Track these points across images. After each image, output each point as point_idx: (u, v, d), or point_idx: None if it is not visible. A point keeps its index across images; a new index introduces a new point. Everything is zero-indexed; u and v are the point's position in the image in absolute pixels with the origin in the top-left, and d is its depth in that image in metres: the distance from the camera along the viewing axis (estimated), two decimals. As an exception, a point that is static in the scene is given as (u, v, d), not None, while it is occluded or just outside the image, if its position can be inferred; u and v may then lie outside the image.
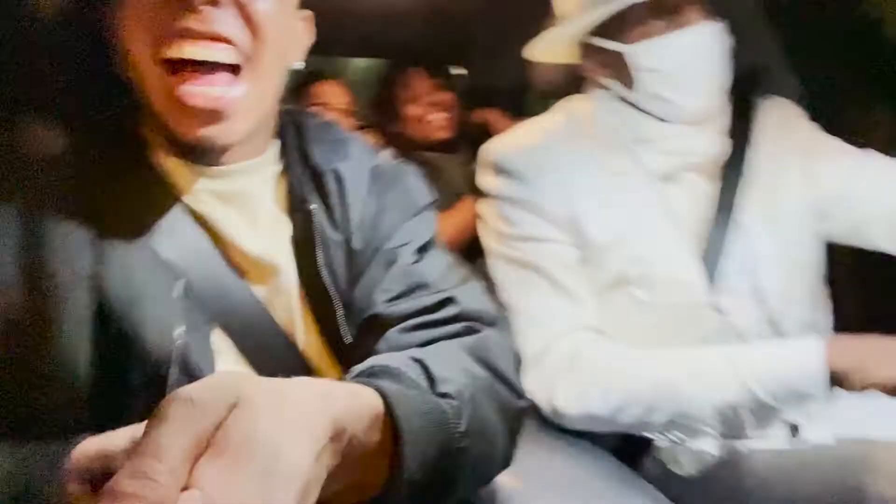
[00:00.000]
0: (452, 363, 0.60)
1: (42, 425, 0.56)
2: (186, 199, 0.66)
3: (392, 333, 0.68)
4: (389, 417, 0.45)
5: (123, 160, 0.64)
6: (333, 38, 2.23)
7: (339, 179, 0.76)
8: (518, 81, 2.17)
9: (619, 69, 1.04)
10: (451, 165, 2.03)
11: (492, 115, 2.08)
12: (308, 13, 0.74)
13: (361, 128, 2.22)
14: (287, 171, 0.74)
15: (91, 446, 0.44)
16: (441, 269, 0.75)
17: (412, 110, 1.99)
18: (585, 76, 1.12)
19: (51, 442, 0.48)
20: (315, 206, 0.72)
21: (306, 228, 0.72)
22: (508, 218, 1.07)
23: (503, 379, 0.64)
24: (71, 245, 0.59)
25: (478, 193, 1.90)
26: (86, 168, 0.62)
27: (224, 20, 0.59)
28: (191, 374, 0.61)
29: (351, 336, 0.71)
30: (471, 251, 1.81)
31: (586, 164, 1.06)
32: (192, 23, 0.58)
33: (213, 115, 0.61)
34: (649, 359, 0.98)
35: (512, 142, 1.11)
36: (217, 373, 0.63)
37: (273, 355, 0.69)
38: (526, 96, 2.10)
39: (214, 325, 0.65)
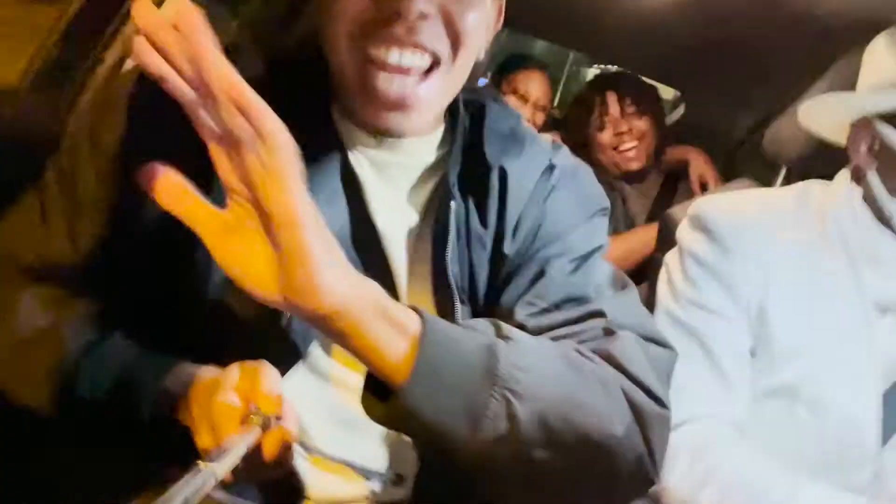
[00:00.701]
0: (546, 348, 0.59)
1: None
2: (350, 155, 0.70)
3: None
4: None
5: (309, 118, 0.66)
6: (542, 19, 2.19)
7: (503, 178, 0.74)
8: (737, 127, 2.06)
9: (891, 169, 0.93)
10: (635, 195, 1.97)
11: (694, 156, 1.97)
12: (500, 1, 0.74)
13: (551, 125, 2.18)
14: (447, 156, 0.74)
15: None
16: (597, 282, 0.72)
17: (605, 137, 1.91)
18: (849, 158, 1.01)
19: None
20: (455, 203, 0.71)
21: (444, 221, 0.71)
22: (694, 280, 1.01)
23: (637, 381, 0.61)
24: None
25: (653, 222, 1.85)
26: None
27: (430, 32, 0.63)
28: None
29: None
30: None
31: (799, 259, 0.97)
32: (401, 31, 0.62)
33: (401, 107, 0.65)
34: (782, 486, 0.90)
35: (729, 205, 1.03)
36: None
37: None
38: (741, 148, 1.97)
39: None
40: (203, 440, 0.57)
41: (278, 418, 0.56)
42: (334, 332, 0.51)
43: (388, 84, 0.64)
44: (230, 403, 0.55)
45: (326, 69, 0.70)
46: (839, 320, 0.94)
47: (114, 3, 0.95)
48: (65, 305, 0.69)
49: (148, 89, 0.66)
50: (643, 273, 1.51)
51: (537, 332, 0.66)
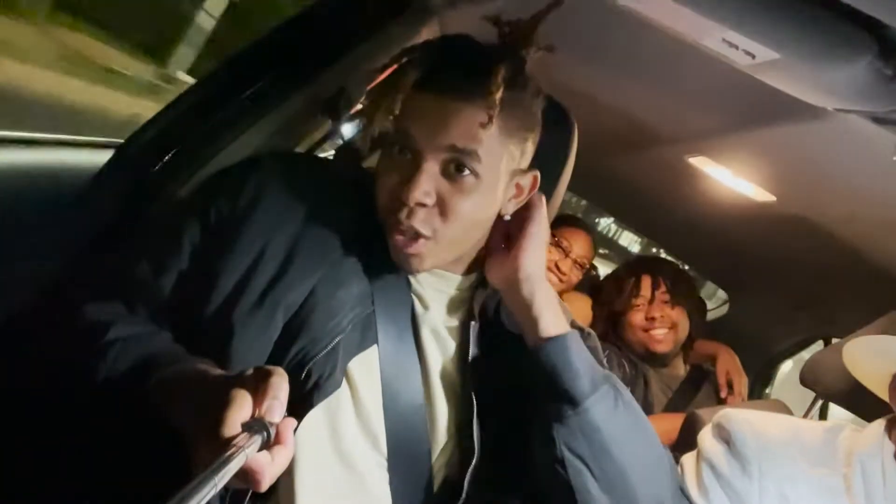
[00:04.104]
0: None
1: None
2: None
3: None
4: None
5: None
6: (610, 194, 2.28)
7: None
8: (776, 342, 2.05)
9: None
10: (657, 380, 1.95)
11: (724, 353, 1.96)
12: (534, 175, 0.90)
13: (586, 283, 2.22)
14: (472, 299, 0.91)
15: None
16: None
17: (636, 318, 1.92)
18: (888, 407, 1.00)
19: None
20: (474, 323, 0.88)
21: (465, 338, 0.88)
22: (708, 490, 0.98)
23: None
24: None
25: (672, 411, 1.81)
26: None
27: (422, 219, 0.81)
28: (331, 370, 0.79)
29: (476, 442, 0.83)
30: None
31: (818, 499, 0.94)
32: (404, 217, 0.81)
33: (408, 257, 0.84)
34: None
35: (757, 425, 1.02)
36: None
37: (404, 404, 0.84)
38: (776, 367, 1.95)
39: (373, 344, 0.84)
40: (203, 431, 0.59)
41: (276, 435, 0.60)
42: (518, 294, 0.85)
43: (398, 243, 0.84)
44: (241, 398, 0.59)
45: None
46: None
47: (234, 89, 1.06)
48: (127, 316, 0.82)
49: (258, 177, 0.87)
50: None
51: None
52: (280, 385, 0.62)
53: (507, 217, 0.89)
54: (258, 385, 0.62)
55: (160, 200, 0.98)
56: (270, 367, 0.64)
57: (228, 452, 0.53)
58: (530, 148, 0.88)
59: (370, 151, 0.88)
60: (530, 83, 0.84)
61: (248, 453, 0.55)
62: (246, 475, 0.58)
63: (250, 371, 0.65)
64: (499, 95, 0.76)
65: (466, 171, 0.80)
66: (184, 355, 0.76)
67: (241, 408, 0.59)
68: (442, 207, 0.81)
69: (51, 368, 0.79)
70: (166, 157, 1.01)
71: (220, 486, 0.50)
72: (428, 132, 0.79)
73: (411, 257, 0.83)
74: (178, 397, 0.67)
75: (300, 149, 1.62)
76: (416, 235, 0.82)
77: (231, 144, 1.01)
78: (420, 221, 0.81)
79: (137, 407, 0.70)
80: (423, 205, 0.81)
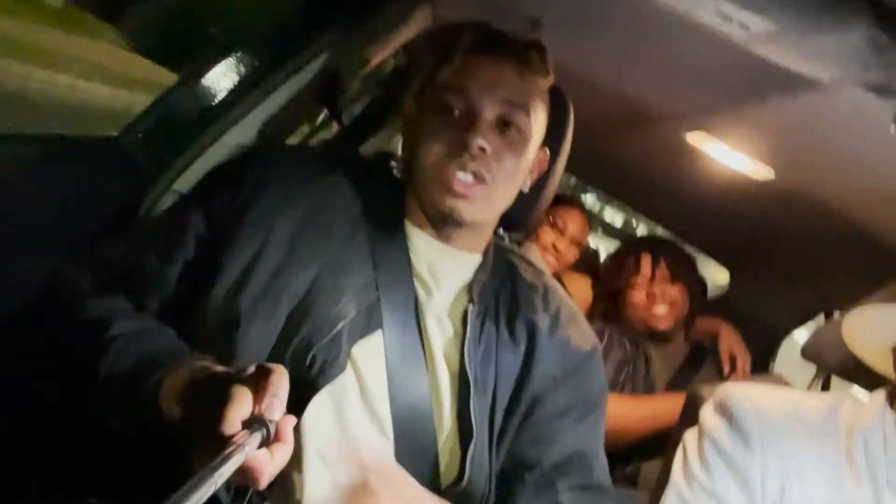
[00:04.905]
0: None
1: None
2: (411, 251, 0.92)
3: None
4: None
5: (391, 214, 0.92)
6: (606, 174, 2.27)
7: (532, 330, 0.92)
8: (777, 319, 2.05)
9: None
10: (660, 356, 1.95)
11: (725, 330, 1.96)
12: (545, 151, 0.98)
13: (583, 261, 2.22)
14: (472, 283, 0.92)
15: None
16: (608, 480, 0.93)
17: (637, 297, 1.91)
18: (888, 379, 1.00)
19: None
20: (473, 307, 0.89)
21: (464, 321, 0.89)
22: (710, 466, 0.99)
23: None
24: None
25: (674, 391, 1.82)
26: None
27: (486, 164, 0.86)
28: (336, 355, 0.79)
29: (475, 422, 0.84)
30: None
31: (821, 473, 0.94)
32: (468, 160, 0.85)
33: (461, 197, 0.86)
34: None
35: (758, 399, 1.02)
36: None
37: (410, 387, 0.84)
38: (777, 343, 1.95)
39: (377, 329, 0.84)
40: (203, 428, 0.60)
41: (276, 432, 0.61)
42: None
43: (456, 182, 0.86)
44: (241, 396, 0.60)
45: (401, 184, 0.93)
46: None
47: (228, 76, 1.05)
48: (129, 311, 0.82)
49: (259, 168, 0.87)
50: (662, 441, 1.47)
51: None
52: (280, 382, 0.62)
53: (526, 191, 0.96)
54: (258, 382, 0.62)
55: (155, 192, 0.98)
56: (271, 365, 0.64)
57: (228, 450, 0.53)
58: (544, 124, 0.95)
59: (415, 113, 0.91)
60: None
61: (247, 451, 0.55)
62: (245, 472, 0.58)
63: (251, 368, 0.65)
64: (547, 58, 0.90)
65: (514, 127, 0.88)
66: (186, 352, 0.76)
67: (241, 405, 0.60)
68: (497, 158, 0.87)
69: (52, 365, 0.79)
70: (160, 149, 1.00)
71: (220, 483, 0.50)
72: (486, 86, 0.87)
73: (464, 201, 0.86)
74: (179, 394, 0.68)
75: (295, 139, 1.61)
76: (476, 180, 0.86)
77: (224, 135, 1.01)
78: (483, 165, 0.86)
79: (139, 404, 0.70)
80: (485, 151, 0.85)
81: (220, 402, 0.60)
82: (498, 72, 0.88)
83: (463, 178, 0.86)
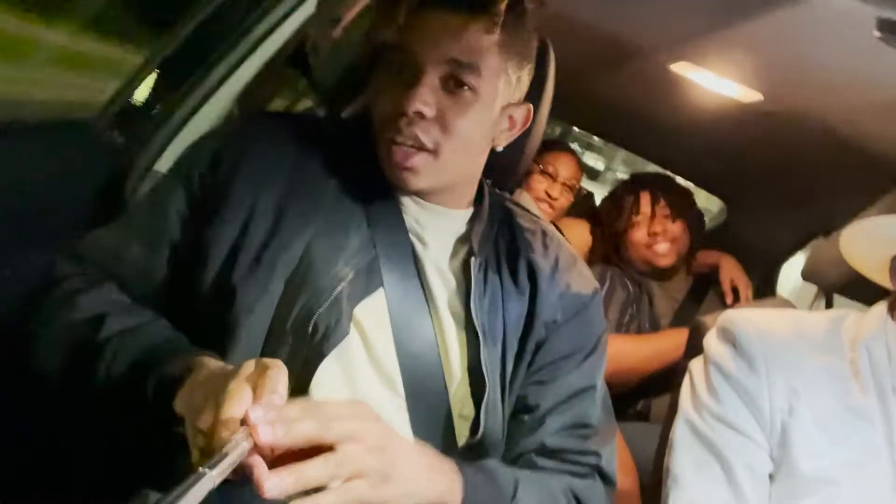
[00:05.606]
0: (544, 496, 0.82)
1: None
2: (403, 209, 0.90)
3: (527, 440, 0.87)
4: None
5: (373, 181, 0.88)
6: (593, 114, 2.24)
7: (532, 270, 0.91)
8: (776, 244, 2.05)
9: None
10: (662, 294, 1.96)
11: (725, 261, 1.96)
12: (527, 107, 0.91)
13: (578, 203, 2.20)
14: (470, 234, 0.90)
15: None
16: (600, 417, 0.91)
17: (637, 235, 1.91)
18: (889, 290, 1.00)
19: None
20: (475, 259, 0.88)
21: (468, 273, 0.87)
22: (717, 392, 0.99)
23: None
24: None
25: (679, 325, 1.83)
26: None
27: (424, 130, 0.81)
28: (337, 318, 0.79)
29: (487, 375, 0.83)
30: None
31: (827, 386, 0.95)
32: (404, 126, 0.81)
33: (404, 168, 0.83)
34: None
35: (760, 322, 1.02)
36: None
37: (416, 338, 0.84)
38: (778, 269, 1.96)
39: (378, 288, 0.84)
40: (203, 424, 0.59)
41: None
42: None
43: (398, 155, 0.83)
44: (240, 393, 0.59)
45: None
46: (865, 453, 0.91)
47: (200, 56, 1.03)
48: (122, 304, 0.81)
49: (237, 140, 0.86)
50: (669, 377, 1.48)
51: (543, 446, 0.87)
52: (278, 378, 0.61)
53: (500, 149, 0.91)
54: (257, 378, 0.61)
55: (136, 174, 0.97)
56: (269, 360, 0.63)
57: (226, 447, 0.53)
58: (525, 80, 0.90)
59: (368, 71, 0.86)
60: (528, 14, 0.87)
61: (246, 448, 0.54)
62: (244, 470, 0.57)
63: (250, 364, 0.63)
64: (503, 7, 0.81)
65: (466, 87, 0.82)
66: (183, 344, 0.76)
67: (240, 402, 0.58)
68: (442, 122, 0.82)
69: (48, 368, 0.79)
70: (134, 130, 0.99)
71: (219, 481, 0.49)
72: (430, 45, 0.81)
73: (407, 172, 0.83)
74: (177, 391, 0.67)
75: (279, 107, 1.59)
76: (416, 148, 0.82)
77: (200, 109, 0.99)
78: (421, 131, 0.81)
79: (137, 402, 0.70)
80: (423, 116, 0.81)
81: (219, 398, 0.59)
82: (445, 28, 0.81)
83: (402, 145, 0.82)
